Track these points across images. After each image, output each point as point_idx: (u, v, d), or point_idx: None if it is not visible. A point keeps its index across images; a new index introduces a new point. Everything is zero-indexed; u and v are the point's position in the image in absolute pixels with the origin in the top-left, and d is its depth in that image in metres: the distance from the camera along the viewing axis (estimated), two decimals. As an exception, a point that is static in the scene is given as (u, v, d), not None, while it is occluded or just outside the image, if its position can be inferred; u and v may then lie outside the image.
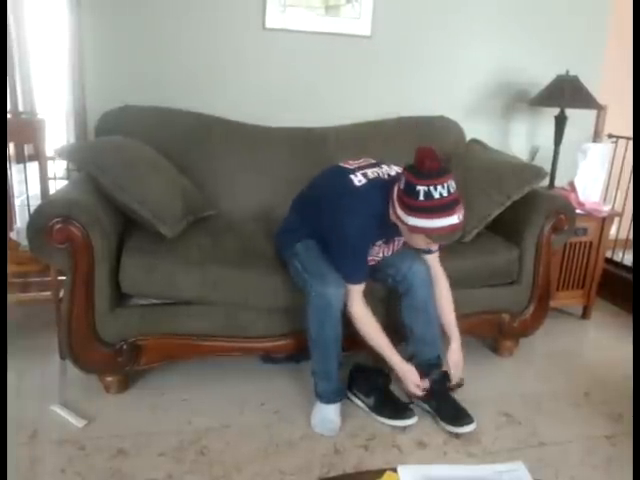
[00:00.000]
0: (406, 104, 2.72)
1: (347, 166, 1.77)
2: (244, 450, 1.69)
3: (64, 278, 1.84)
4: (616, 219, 2.78)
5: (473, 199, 2.11)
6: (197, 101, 2.47)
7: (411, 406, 1.86)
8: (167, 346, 1.91)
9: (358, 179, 1.70)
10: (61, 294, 1.94)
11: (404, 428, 1.81)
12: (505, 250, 2.17)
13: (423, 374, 1.81)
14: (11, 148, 3.20)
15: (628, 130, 2.72)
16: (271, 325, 1.95)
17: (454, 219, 1.54)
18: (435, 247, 1.76)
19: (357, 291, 1.73)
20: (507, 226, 2.21)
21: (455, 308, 1.90)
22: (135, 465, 1.60)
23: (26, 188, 2.26)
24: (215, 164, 2.34)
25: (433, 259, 1.89)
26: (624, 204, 2.85)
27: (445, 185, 1.52)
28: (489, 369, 2.22)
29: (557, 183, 2.78)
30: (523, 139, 3.02)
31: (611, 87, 2.88)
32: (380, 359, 1.82)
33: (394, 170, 1.74)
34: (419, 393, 1.80)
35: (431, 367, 1.86)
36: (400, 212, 1.59)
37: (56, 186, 2.38)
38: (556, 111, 2.70)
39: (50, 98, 5.62)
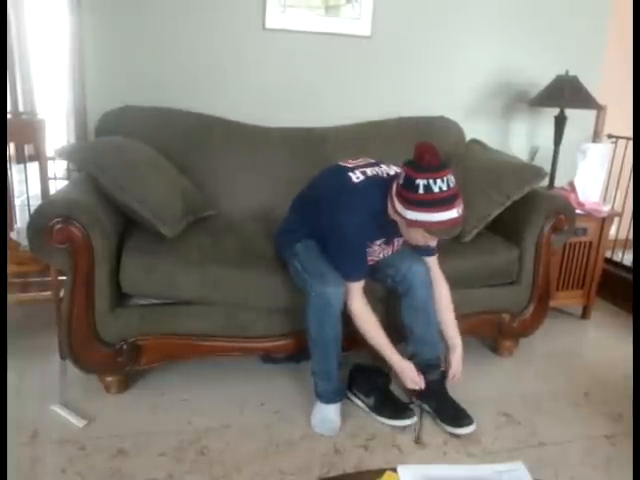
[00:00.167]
0: (406, 104, 2.72)
1: (346, 165, 1.77)
2: (244, 450, 1.69)
3: (64, 278, 1.84)
4: (616, 219, 2.78)
5: (473, 199, 2.11)
6: (197, 101, 2.47)
7: (412, 406, 1.86)
8: (167, 346, 1.91)
9: (356, 176, 1.70)
10: (61, 294, 1.94)
11: (404, 428, 1.81)
12: (505, 250, 2.17)
13: (421, 372, 1.82)
14: (11, 148, 3.20)
15: (628, 130, 2.72)
16: (271, 325, 1.96)
17: (453, 213, 1.54)
18: (434, 243, 1.75)
19: (357, 289, 1.73)
20: (507, 226, 2.22)
21: (455, 308, 1.90)
22: (135, 465, 1.60)
23: (26, 188, 2.27)
24: (215, 164, 2.34)
25: (432, 263, 1.89)
26: (624, 204, 2.85)
27: (445, 179, 1.52)
28: (489, 369, 2.22)
29: (557, 183, 2.78)
30: (523, 139, 3.03)
31: (611, 87, 2.88)
32: (380, 359, 1.83)
33: (393, 170, 1.75)
34: (416, 387, 1.81)
35: (431, 367, 1.87)
36: (399, 207, 1.59)
37: (56, 186, 2.38)
38: (556, 111, 2.71)
39: (50, 98, 5.62)
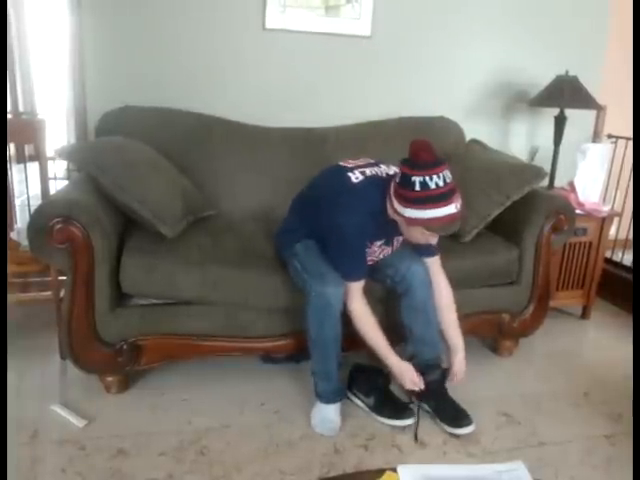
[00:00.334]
0: (406, 104, 2.72)
1: (346, 165, 1.77)
2: (244, 450, 1.69)
3: (64, 278, 1.85)
4: (616, 219, 2.78)
5: (473, 199, 2.11)
6: (197, 101, 2.47)
7: (411, 406, 1.86)
8: (167, 346, 1.91)
9: (355, 176, 1.70)
10: (61, 294, 1.94)
11: (404, 428, 1.81)
12: (505, 250, 2.17)
13: (420, 373, 1.81)
14: (11, 148, 3.20)
15: (628, 130, 2.72)
16: (271, 325, 1.96)
17: (451, 208, 1.54)
18: (434, 241, 1.74)
19: (357, 289, 1.73)
20: (507, 226, 2.22)
21: (455, 308, 1.89)
22: (135, 465, 1.60)
23: (26, 188, 2.27)
24: (215, 164, 2.34)
25: (434, 263, 1.88)
26: (623, 204, 2.85)
27: (441, 175, 1.53)
28: (489, 369, 2.22)
29: (557, 183, 2.78)
30: (523, 139, 3.03)
31: (611, 87, 2.88)
32: (377, 359, 1.82)
33: (392, 169, 1.75)
34: (416, 388, 1.80)
35: (430, 367, 1.86)
36: (397, 205, 1.60)
37: (56, 186, 2.39)
38: (556, 111, 2.71)
39: (50, 98, 5.63)
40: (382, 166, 1.77)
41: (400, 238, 1.82)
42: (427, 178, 1.52)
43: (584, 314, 2.78)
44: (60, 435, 1.71)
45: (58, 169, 2.88)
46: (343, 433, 1.79)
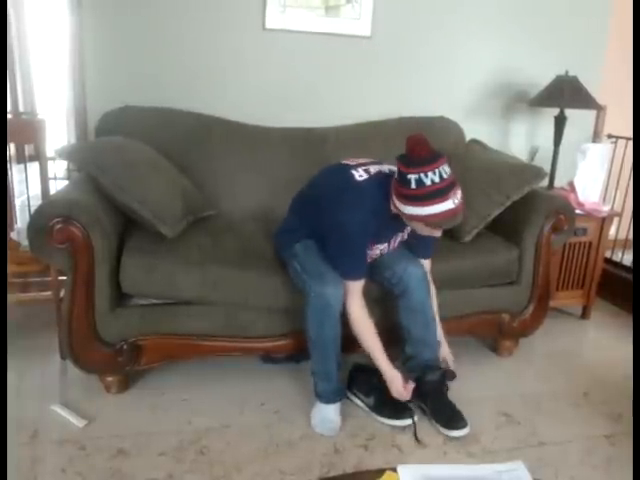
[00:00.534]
0: (406, 104, 2.72)
1: (348, 163, 1.77)
2: (244, 450, 1.69)
3: (64, 278, 1.85)
4: (615, 219, 2.78)
5: (473, 199, 2.11)
6: (197, 101, 2.47)
7: (410, 405, 1.86)
8: (167, 346, 1.91)
9: (359, 174, 1.70)
10: (61, 294, 1.94)
11: (404, 428, 1.81)
12: (505, 250, 2.17)
13: (408, 380, 1.80)
14: (12, 148, 3.20)
15: (627, 130, 2.72)
16: (271, 325, 1.96)
17: (449, 204, 1.54)
18: (438, 233, 1.71)
19: (356, 289, 1.73)
20: (507, 226, 2.22)
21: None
22: (135, 465, 1.60)
23: (27, 188, 2.27)
24: (215, 164, 2.34)
25: (425, 265, 1.90)
26: (623, 204, 2.85)
27: (436, 171, 1.52)
28: (489, 369, 2.22)
29: (557, 183, 2.78)
30: (523, 139, 3.03)
31: (611, 87, 2.88)
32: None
33: (395, 168, 1.74)
34: (402, 399, 1.80)
35: (430, 368, 1.86)
36: (397, 202, 1.60)
37: (56, 186, 2.39)
38: (556, 111, 2.71)
39: (51, 98, 5.62)
40: (384, 164, 1.77)
41: (398, 237, 1.82)
42: (422, 175, 1.52)
43: (584, 314, 2.78)
44: (60, 435, 1.71)
45: (58, 169, 2.88)
46: (343, 433, 1.79)
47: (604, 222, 2.65)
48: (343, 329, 1.75)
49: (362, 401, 1.92)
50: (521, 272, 2.19)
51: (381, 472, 1.09)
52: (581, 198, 2.63)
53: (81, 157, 1.96)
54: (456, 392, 1.89)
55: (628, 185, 2.84)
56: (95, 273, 1.76)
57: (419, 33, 2.74)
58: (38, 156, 2.13)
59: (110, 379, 1.92)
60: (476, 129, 2.77)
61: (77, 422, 1.76)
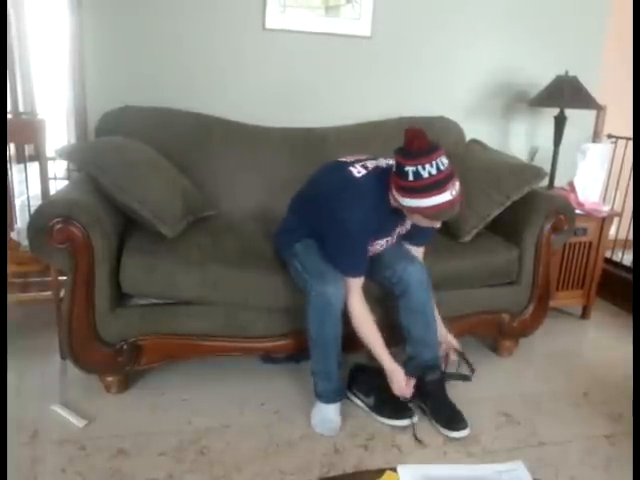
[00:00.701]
0: (406, 104, 2.72)
1: (345, 160, 1.77)
2: (244, 450, 1.69)
3: (64, 278, 1.85)
4: (615, 219, 2.78)
5: (473, 199, 2.11)
6: (197, 101, 2.47)
7: (410, 405, 1.86)
8: (167, 346, 1.91)
9: (357, 170, 1.70)
10: (61, 294, 1.94)
11: (404, 428, 1.81)
12: (505, 250, 2.17)
13: (415, 377, 1.80)
14: (12, 148, 3.20)
15: (627, 130, 2.72)
16: (271, 325, 1.96)
17: (446, 196, 1.54)
18: (438, 225, 1.72)
19: (356, 286, 1.73)
20: (507, 226, 2.22)
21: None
22: (135, 465, 1.60)
23: (26, 188, 2.27)
24: (215, 164, 2.34)
25: (418, 252, 1.92)
26: (623, 204, 2.85)
27: (434, 163, 1.52)
28: (489, 369, 2.22)
29: (557, 183, 2.78)
30: (523, 139, 3.03)
31: (610, 87, 2.88)
32: (376, 360, 1.82)
33: (392, 161, 1.74)
34: (405, 395, 1.79)
35: (430, 368, 1.86)
36: (396, 195, 1.61)
37: (56, 186, 2.39)
38: (556, 111, 2.71)
39: (51, 98, 5.62)
40: (381, 159, 1.77)
41: (396, 232, 1.82)
42: (419, 167, 1.52)
43: (584, 314, 2.78)
44: (60, 435, 1.71)
45: (58, 169, 2.88)
46: (343, 433, 1.79)
47: (604, 222, 2.64)
48: (344, 328, 1.75)
49: (362, 401, 1.92)
50: (521, 272, 2.19)
51: (381, 472, 1.09)
52: (581, 198, 2.63)
53: (81, 157, 1.96)
54: (456, 392, 1.89)
55: (628, 185, 2.84)
56: (95, 273, 1.76)
57: (419, 33, 2.74)
58: (38, 156, 2.13)
59: (110, 379, 1.92)
60: (476, 129, 2.77)
61: (77, 422, 1.76)
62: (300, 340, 1.87)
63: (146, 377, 2.03)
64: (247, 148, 2.41)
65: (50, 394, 1.90)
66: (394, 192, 1.61)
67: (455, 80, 2.85)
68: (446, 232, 2.12)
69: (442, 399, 1.86)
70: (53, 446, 1.67)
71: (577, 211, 2.41)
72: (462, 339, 1.91)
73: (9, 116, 3.14)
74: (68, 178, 2.64)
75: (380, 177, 1.68)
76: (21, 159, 3.39)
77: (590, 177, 2.66)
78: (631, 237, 2.86)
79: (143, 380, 2.02)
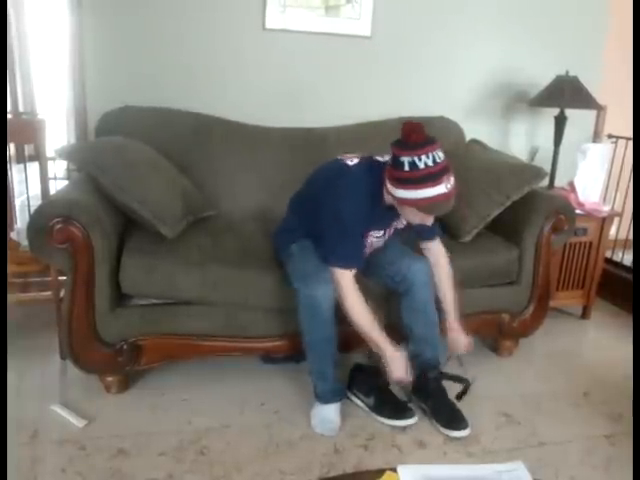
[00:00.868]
0: (406, 104, 2.72)
1: (342, 157, 1.77)
2: (244, 450, 1.69)
3: (64, 278, 1.85)
4: (616, 219, 2.78)
5: (473, 199, 2.11)
6: (197, 101, 2.47)
7: (410, 405, 1.86)
8: (167, 346, 1.91)
9: (351, 161, 1.71)
10: (61, 294, 1.94)
11: (404, 428, 1.81)
12: (505, 250, 2.17)
13: (421, 372, 1.79)
14: (11, 148, 3.20)
15: (628, 130, 2.72)
16: (271, 325, 1.96)
17: (441, 188, 1.53)
18: (429, 221, 1.69)
19: (348, 279, 1.67)
20: (507, 226, 2.22)
21: (452, 284, 1.86)
22: (135, 465, 1.60)
23: (26, 188, 2.27)
24: (215, 164, 2.34)
25: (436, 246, 1.89)
26: (624, 204, 2.85)
27: (430, 155, 1.52)
28: (489, 369, 2.22)
29: (557, 183, 2.78)
30: (523, 139, 3.03)
31: (611, 87, 2.88)
32: (379, 359, 1.81)
33: (387, 157, 1.74)
34: (403, 380, 1.72)
35: (431, 366, 1.87)
36: (389, 186, 1.60)
37: (56, 186, 2.38)
38: (556, 111, 2.71)
39: (50, 98, 5.62)
40: (377, 156, 1.77)
41: (392, 228, 1.81)
42: (416, 158, 1.52)
43: (584, 314, 2.78)
44: (60, 435, 1.71)
45: (58, 169, 2.87)
46: (343, 433, 1.79)
47: (604, 222, 2.64)
48: (339, 328, 1.74)
49: (362, 401, 1.92)
50: (521, 272, 2.19)
51: (381, 472, 1.09)
52: (581, 198, 2.63)
53: (81, 157, 1.96)
54: (456, 392, 1.89)
55: (628, 185, 2.84)
56: (95, 273, 1.76)
57: (419, 33, 2.74)
58: (38, 156, 2.13)
59: (110, 379, 1.92)
60: (476, 129, 2.77)
61: (77, 422, 1.76)
62: (300, 340, 1.87)
63: (146, 377, 2.03)
64: (247, 148, 2.41)
65: (50, 394, 1.91)
66: (388, 185, 1.61)
67: (455, 80, 2.85)
68: (446, 232, 2.12)
69: (442, 398, 1.86)
70: (53, 446, 1.67)
71: (577, 211, 2.41)
72: (453, 305, 1.89)
73: (9, 116, 3.14)
74: (68, 178, 2.64)
75: (373, 166, 1.68)
76: (21, 159, 3.39)
77: (590, 177, 2.66)
78: (631, 237, 2.86)
79: (143, 380, 2.02)
